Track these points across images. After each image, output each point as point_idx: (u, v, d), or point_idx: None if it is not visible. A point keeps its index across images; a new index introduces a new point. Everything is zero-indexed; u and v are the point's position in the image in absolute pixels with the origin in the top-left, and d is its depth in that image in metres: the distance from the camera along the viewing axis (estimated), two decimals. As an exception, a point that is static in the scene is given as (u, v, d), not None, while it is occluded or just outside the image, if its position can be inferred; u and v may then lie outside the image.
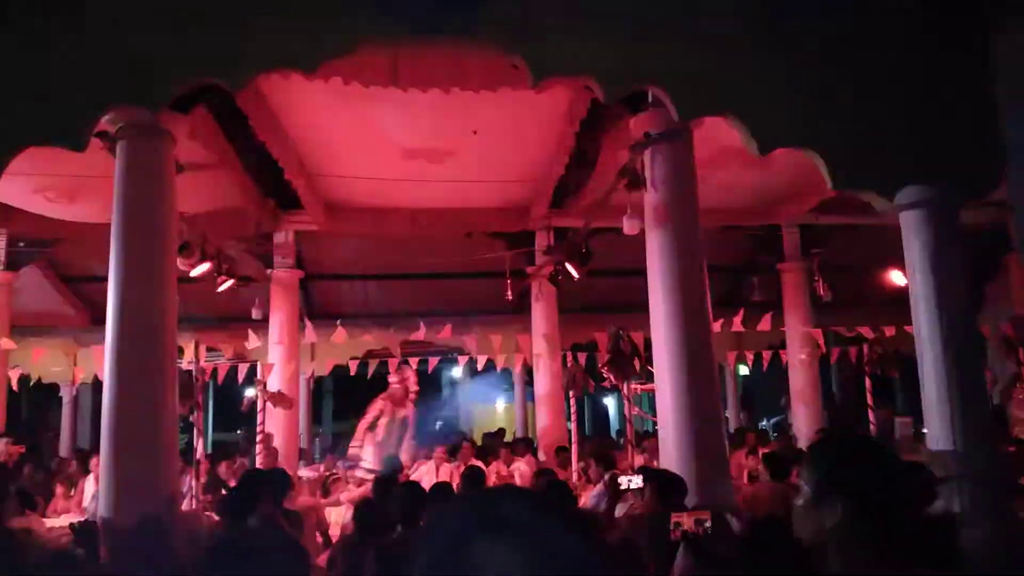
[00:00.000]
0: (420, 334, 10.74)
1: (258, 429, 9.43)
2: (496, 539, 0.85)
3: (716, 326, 6.62)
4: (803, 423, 10.97)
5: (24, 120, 3.68)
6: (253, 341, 10.07)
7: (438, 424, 24.94)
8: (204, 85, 4.61)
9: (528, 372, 12.87)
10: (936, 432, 4.16)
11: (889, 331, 9.58)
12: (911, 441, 5.78)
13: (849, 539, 1.63)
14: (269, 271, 10.98)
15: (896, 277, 9.56)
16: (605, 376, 8.20)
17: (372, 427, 8.87)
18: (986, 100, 4.18)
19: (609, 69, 3.99)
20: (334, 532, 7.36)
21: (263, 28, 3.85)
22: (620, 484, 5.35)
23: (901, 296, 4.77)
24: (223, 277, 9.33)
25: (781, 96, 4.16)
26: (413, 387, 8.98)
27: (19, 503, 6.08)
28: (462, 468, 8.36)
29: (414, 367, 9.60)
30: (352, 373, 12.91)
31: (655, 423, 7.67)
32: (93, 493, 7.36)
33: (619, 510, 5.40)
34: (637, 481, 5.35)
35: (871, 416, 9.22)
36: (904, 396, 15.12)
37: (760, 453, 8.39)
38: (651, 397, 13.47)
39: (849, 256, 10.87)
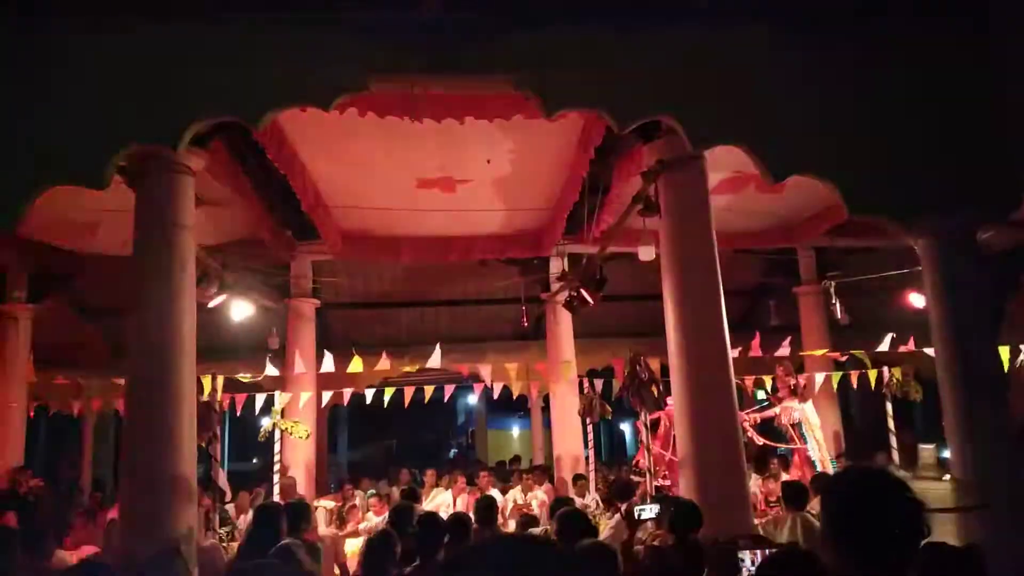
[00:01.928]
0: (436, 361, 10.74)
1: (275, 459, 9.44)
2: None
3: (733, 351, 6.57)
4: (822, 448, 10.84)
5: (48, 160, 3.75)
6: (271, 370, 10.10)
7: (452, 452, 24.92)
8: (221, 121, 4.68)
9: (544, 399, 12.82)
10: (959, 458, 4.11)
11: (908, 353, 9.49)
12: (934, 468, 5.71)
13: (854, 572, 1.65)
14: (286, 301, 11.05)
15: (915, 299, 9.49)
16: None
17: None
18: (1000, 125, 4.17)
19: (621, 100, 4.03)
20: (351, 563, 7.33)
21: (281, 66, 3.92)
22: (636, 515, 5.29)
23: (920, 319, 4.74)
24: (240, 307, 9.41)
25: (794, 124, 4.17)
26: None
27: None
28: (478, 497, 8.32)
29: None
30: (368, 401, 12.89)
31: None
32: (112, 521, 7.37)
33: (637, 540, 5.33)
34: (652, 511, 5.28)
35: (892, 441, 9.12)
36: (925, 420, 14.90)
37: (782, 479, 8.30)
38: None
39: (867, 278, 10.79)
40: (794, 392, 8.93)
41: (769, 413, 9.51)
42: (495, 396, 12.72)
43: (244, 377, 10.11)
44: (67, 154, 3.75)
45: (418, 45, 3.85)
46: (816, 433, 8.80)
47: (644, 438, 9.01)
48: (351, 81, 3.91)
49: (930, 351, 4.45)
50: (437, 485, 10.42)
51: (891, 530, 1.62)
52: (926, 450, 5.63)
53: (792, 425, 8.85)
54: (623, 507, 5.95)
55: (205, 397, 7.63)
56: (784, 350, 10.10)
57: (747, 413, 8.74)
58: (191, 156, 5.93)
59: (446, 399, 13.43)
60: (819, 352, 10.82)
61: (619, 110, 4.03)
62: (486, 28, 3.89)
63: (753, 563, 3.60)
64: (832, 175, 4.08)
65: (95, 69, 3.94)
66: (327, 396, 11.36)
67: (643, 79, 4.06)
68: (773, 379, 9.81)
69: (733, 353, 6.52)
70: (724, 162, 6.79)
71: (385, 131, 6.68)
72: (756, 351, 9.77)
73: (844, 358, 10.50)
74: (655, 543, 4.88)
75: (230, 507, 8.76)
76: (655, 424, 9.12)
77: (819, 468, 8.56)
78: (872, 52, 4.30)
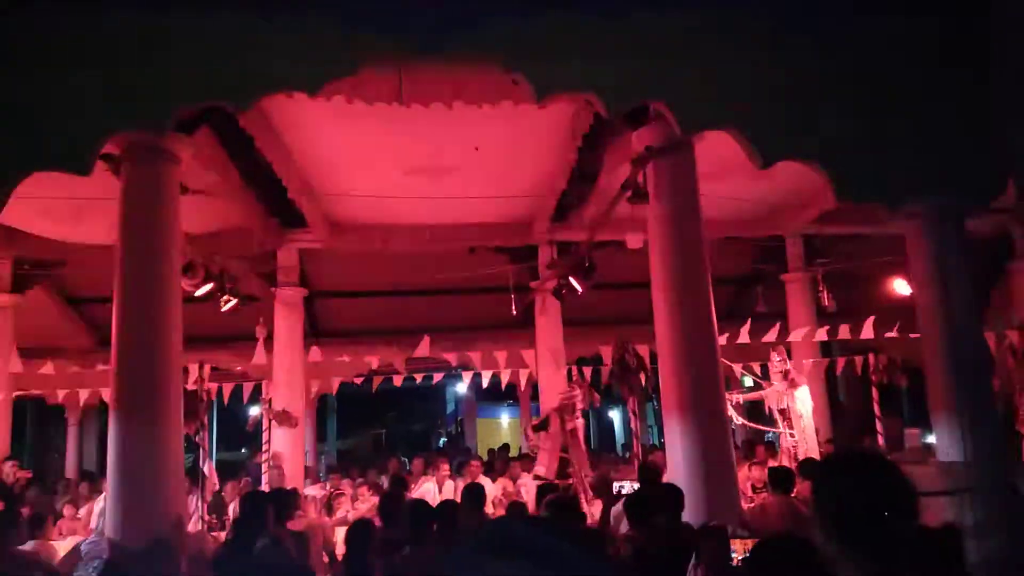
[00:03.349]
0: (424, 350, 10.73)
1: (263, 448, 9.43)
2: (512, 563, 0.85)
3: (721, 338, 6.60)
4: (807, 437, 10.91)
5: (31, 145, 3.70)
6: (258, 359, 10.06)
7: (442, 441, 24.99)
8: (208, 106, 4.64)
9: (533, 387, 12.83)
10: (945, 443, 4.15)
11: (894, 340, 9.55)
12: (920, 452, 5.76)
13: (845, 557, 1.66)
14: (273, 289, 10.99)
15: (900, 286, 9.56)
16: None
17: (543, 427, 9.15)
18: (988, 110, 4.19)
19: (611, 85, 4.01)
20: (340, 551, 7.33)
21: (267, 50, 3.88)
22: (616, 491, 5.32)
23: (906, 305, 4.76)
24: (227, 296, 9.34)
25: (783, 109, 4.17)
26: (580, 403, 9.22)
27: (29, 527, 6.07)
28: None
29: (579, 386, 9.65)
30: (358, 385, 12.88)
31: (662, 436, 7.66)
32: (100, 510, 7.34)
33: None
34: (630, 487, 5.31)
35: (879, 426, 9.19)
36: (911, 405, 15.05)
37: (769, 465, 8.36)
38: (656, 411, 13.41)
39: (853, 265, 10.85)
40: (784, 378, 8.97)
41: (754, 396, 9.56)
42: (484, 385, 12.73)
43: (232, 366, 10.07)
44: (50, 139, 3.71)
45: (406, 29, 3.82)
46: (803, 422, 8.83)
47: (635, 426, 9.06)
48: (338, 66, 3.87)
49: (916, 336, 4.48)
50: (425, 473, 10.43)
51: (883, 513, 1.62)
52: (911, 435, 5.69)
53: (780, 411, 8.89)
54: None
55: (192, 386, 7.59)
56: (771, 337, 10.14)
57: (730, 394, 8.77)
58: (176, 143, 5.88)
59: (433, 385, 13.42)
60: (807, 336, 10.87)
61: (609, 95, 4.02)
62: (475, 12, 3.86)
63: (745, 551, 3.60)
64: (820, 160, 4.09)
65: (79, 54, 3.89)
66: (315, 385, 11.34)
67: (633, 64, 4.05)
68: (763, 365, 9.85)
69: (720, 340, 6.55)
70: (713, 149, 6.79)
71: (373, 118, 6.63)
72: (744, 338, 9.80)
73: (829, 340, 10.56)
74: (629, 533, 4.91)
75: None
76: (544, 424, 9.22)
77: (799, 456, 8.59)
78: (862, 38, 4.30)
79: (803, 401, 8.83)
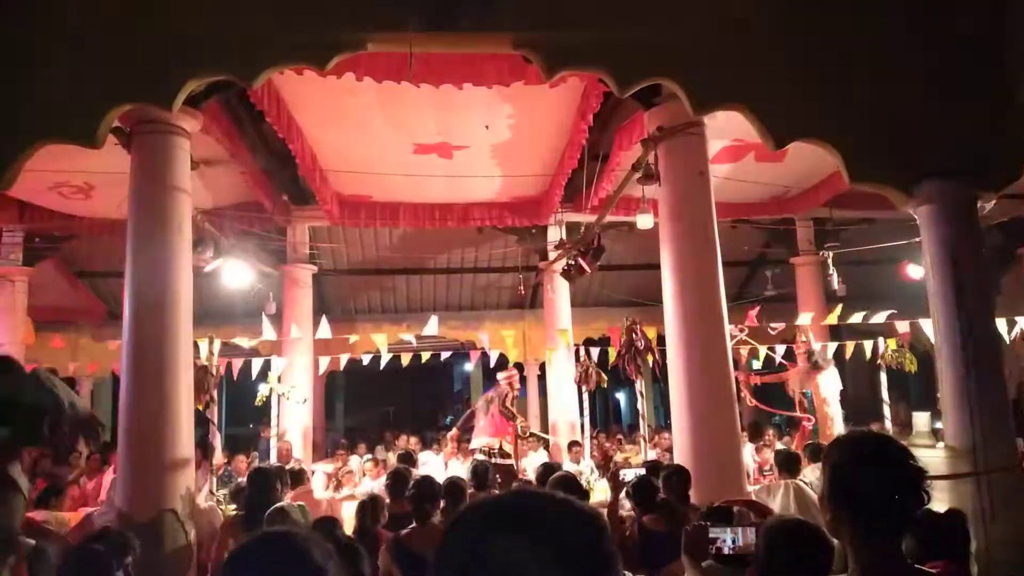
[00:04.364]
0: (433, 329, 10.75)
1: (273, 424, 9.50)
2: (512, 537, 0.85)
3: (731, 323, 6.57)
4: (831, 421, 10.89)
5: (41, 118, 3.71)
6: (267, 335, 10.10)
7: (448, 419, 25.08)
8: (217, 81, 4.63)
9: (541, 366, 12.87)
10: (954, 427, 4.13)
11: (903, 325, 9.51)
12: (928, 436, 5.75)
13: (853, 539, 1.65)
14: (283, 266, 11.02)
15: (912, 271, 9.50)
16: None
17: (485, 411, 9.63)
18: (1002, 94, 4.13)
19: (623, 63, 3.98)
20: (348, 526, 7.39)
21: (276, 25, 3.86)
22: (620, 477, 5.34)
23: (915, 290, 4.73)
24: (236, 272, 9.38)
25: (796, 89, 4.13)
26: (516, 384, 9.73)
27: (45, 498, 6.17)
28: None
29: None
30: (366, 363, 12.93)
31: (668, 417, 7.66)
32: (111, 481, 7.43)
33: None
34: (634, 474, 5.31)
35: (887, 410, 9.18)
36: (919, 390, 15.00)
37: (776, 447, 8.37)
38: (663, 392, 13.42)
39: (864, 249, 10.80)
40: (808, 360, 8.94)
41: (773, 378, 9.53)
42: (492, 364, 12.76)
43: (242, 341, 10.11)
44: (61, 111, 3.71)
45: (417, 3, 3.79)
46: (828, 408, 8.78)
47: (641, 407, 9.07)
48: (348, 40, 3.85)
49: (925, 321, 4.46)
50: (424, 450, 10.53)
51: (891, 496, 1.61)
52: (920, 418, 5.67)
53: (802, 394, 8.88)
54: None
55: (202, 361, 7.63)
56: (778, 320, 10.11)
57: (747, 375, 8.74)
58: (186, 117, 5.88)
59: (441, 364, 13.44)
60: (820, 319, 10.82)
61: (620, 73, 3.99)
62: (486, -12, 3.83)
63: (734, 541, 3.54)
64: (833, 141, 4.05)
65: (90, 26, 3.88)
66: (324, 362, 11.38)
67: (645, 42, 4.01)
68: (770, 348, 9.83)
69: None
70: (724, 131, 6.74)
71: (383, 95, 6.61)
72: (752, 320, 9.77)
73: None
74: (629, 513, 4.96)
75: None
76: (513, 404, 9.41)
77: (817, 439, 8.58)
78: (875, 17, 4.24)
79: (829, 385, 8.78)
